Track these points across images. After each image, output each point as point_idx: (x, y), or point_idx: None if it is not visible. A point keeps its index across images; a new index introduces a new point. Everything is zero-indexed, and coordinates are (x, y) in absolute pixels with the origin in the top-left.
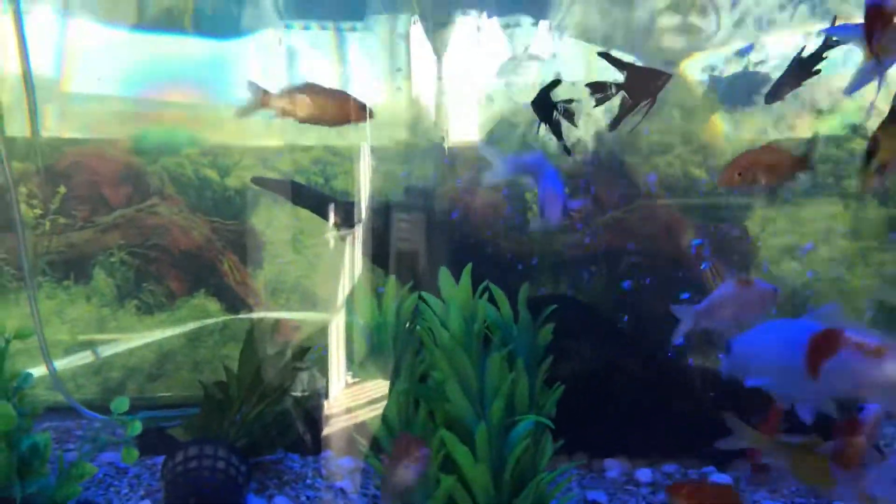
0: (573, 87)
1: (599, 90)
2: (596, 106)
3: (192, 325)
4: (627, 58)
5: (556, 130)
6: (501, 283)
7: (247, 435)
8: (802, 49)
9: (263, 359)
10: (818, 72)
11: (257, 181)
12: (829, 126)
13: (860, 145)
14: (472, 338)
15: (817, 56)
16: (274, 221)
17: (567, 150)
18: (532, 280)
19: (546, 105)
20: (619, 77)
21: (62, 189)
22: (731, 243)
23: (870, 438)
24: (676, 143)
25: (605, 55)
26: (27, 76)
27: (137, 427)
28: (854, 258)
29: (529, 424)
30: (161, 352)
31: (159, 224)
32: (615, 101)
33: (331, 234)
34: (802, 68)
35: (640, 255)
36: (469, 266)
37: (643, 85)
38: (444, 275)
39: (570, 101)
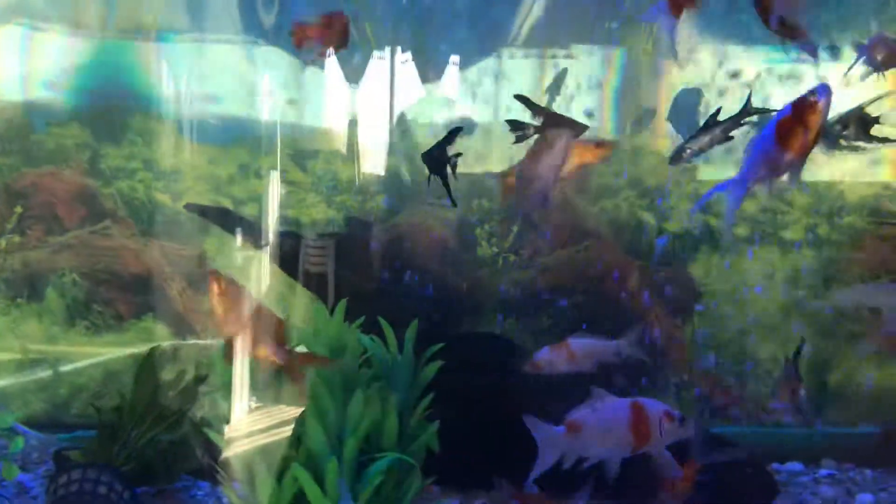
0: None
1: (518, 128)
2: (515, 143)
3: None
4: None
5: (447, 184)
6: (426, 317)
7: (137, 460)
8: (718, 111)
9: (159, 384)
10: (731, 138)
11: (190, 207)
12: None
13: (798, 197)
14: (336, 373)
15: (735, 121)
16: (224, 247)
17: (454, 203)
18: (468, 316)
19: (441, 160)
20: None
21: (19, 209)
22: (674, 286)
23: None
24: (624, 187)
25: (521, 98)
26: None
27: (20, 443)
28: (791, 305)
29: (388, 462)
30: (108, 372)
31: (111, 246)
32: None
33: (239, 254)
34: (712, 130)
35: (583, 295)
36: (343, 302)
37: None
38: (318, 310)
39: (458, 154)
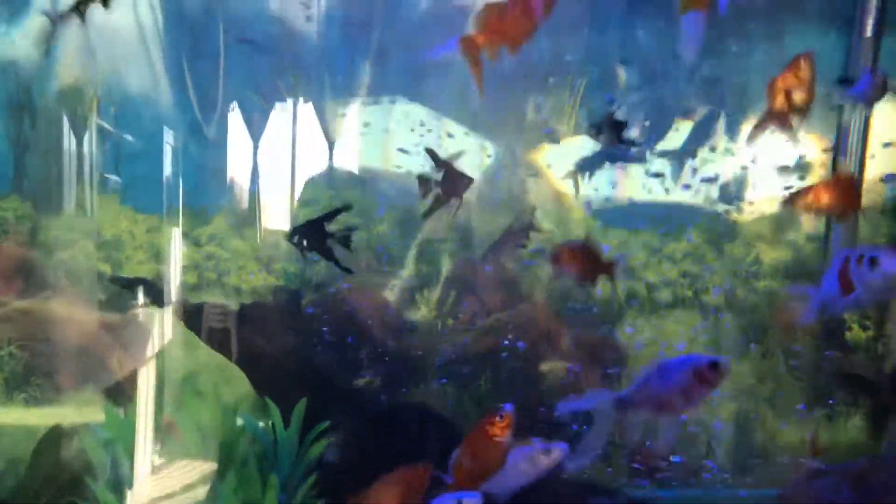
0: None
1: (423, 185)
2: (423, 198)
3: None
4: None
5: (330, 256)
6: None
7: None
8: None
9: (59, 461)
10: (524, 246)
11: (113, 280)
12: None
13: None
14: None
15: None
16: (163, 317)
17: (349, 271)
18: (406, 381)
19: (318, 235)
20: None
21: None
22: (601, 350)
23: None
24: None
25: (429, 151)
26: None
27: None
28: None
29: None
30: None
31: (51, 318)
32: None
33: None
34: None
35: (518, 361)
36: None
37: (453, 185)
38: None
39: (349, 229)
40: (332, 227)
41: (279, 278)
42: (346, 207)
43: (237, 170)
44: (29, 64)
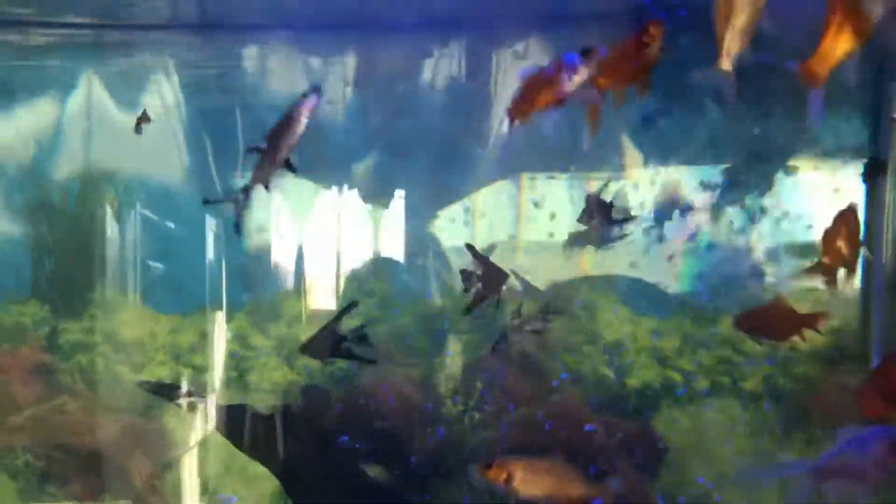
0: None
1: (467, 279)
2: (466, 292)
3: None
4: None
5: (350, 356)
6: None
7: None
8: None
9: None
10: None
11: (141, 385)
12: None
13: (751, 347)
14: None
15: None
16: (186, 419)
17: (373, 361)
18: (434, 479)
19: (332, 341)
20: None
21: None
22: (637, 442)
23: None
24: (584, 342)
25: (469, 247)
26: None
27: None
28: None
29: None
30: None
31: (67, 424)
32: None
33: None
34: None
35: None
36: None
37: (491, 280)
38: None
39: (362, 326)
40: (343, 328)
41: (300, 374)
42: (351, 306)
43: (280, 256)
44: (45, 164)
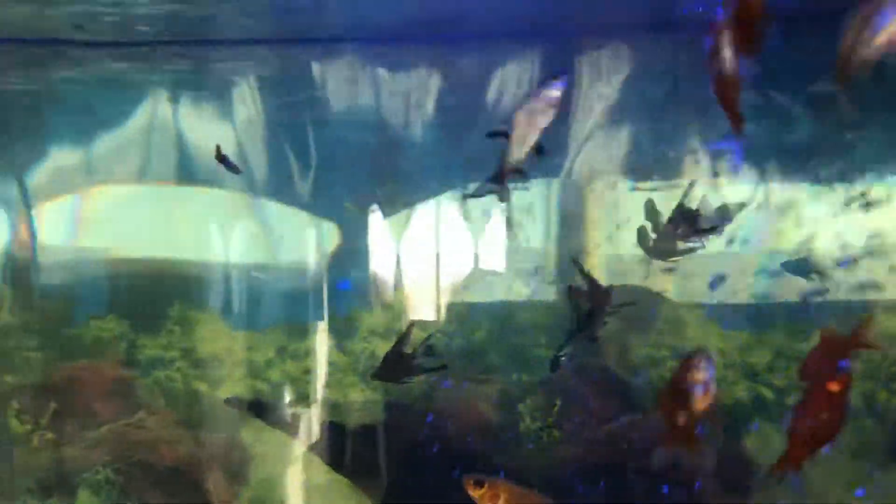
0: None
1: (576, 295)
2: (574, 309)
3: None
4: None
5: (421, 372)
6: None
7: None
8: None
9: None
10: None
11: (229, 402)
12: None
13: None
14: None
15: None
16: (261, 435)
17: (443, 367)
18: None
19: (401, 363)
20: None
21: (53, 404)
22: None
23: None
24: (668, 357)
25: (575, 262)
26: None
27: None
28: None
29: None
30: None
31: (146, 439)
32: None
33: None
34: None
35: (632, 473)
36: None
37: (596, 297)
38: None
39: (429, 337)
40: (408, 349)
41: (375, 391)
42: (410, 326)
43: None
44: None
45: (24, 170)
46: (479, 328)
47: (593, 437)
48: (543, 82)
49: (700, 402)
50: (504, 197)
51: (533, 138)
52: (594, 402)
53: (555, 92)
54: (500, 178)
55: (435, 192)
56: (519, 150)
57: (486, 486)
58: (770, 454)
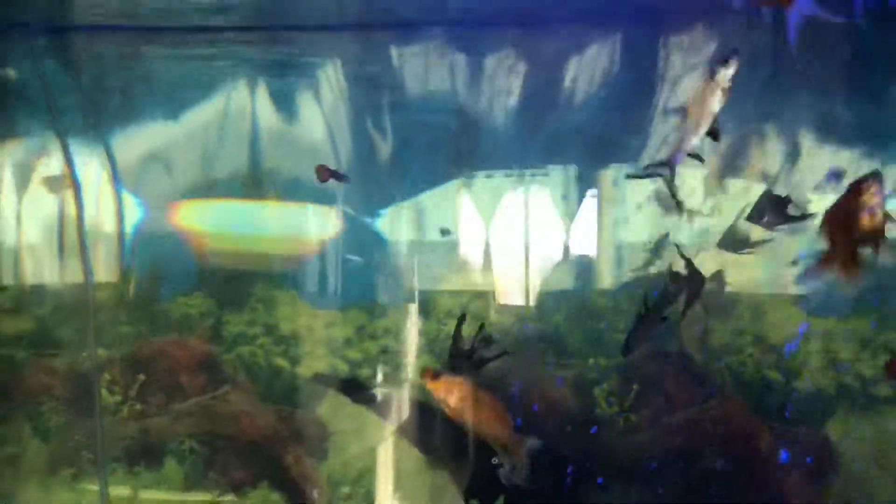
0: None
1: (677, 281)
2: (675, 295)
3: None
4: None
5: (484, 363)
6: None
7: None
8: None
9: None
10: (666, 318)
11: (315, 379)
12: None
13: None
14: None
15: (663, 302)
16: (339, 412)
17: (505, 353)
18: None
19: (464, 358)
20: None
21: (142, 377)
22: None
23: None
24: (747, 344)
25: (678, 247)
26: None
27: None
28: None
29: None
30: None
31: (229, 412)
32: None
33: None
34: (651, 318)
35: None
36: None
37: (695, 283)
38: None
39: (481, 327)
40: (466, 343)
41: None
42: (461, 319)
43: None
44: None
45: (114, 149)
46: (558, 312)
47: (670, 423)
48: (713, 66)
49: (865, 223)
50: (671, 180)
51: (707, 123)
52: (672, 388)
53: (726, 74)
54: (669, 163)
55: (515, 177)
56: (694, 136)
57: (442, 379)
58: (856, 445)
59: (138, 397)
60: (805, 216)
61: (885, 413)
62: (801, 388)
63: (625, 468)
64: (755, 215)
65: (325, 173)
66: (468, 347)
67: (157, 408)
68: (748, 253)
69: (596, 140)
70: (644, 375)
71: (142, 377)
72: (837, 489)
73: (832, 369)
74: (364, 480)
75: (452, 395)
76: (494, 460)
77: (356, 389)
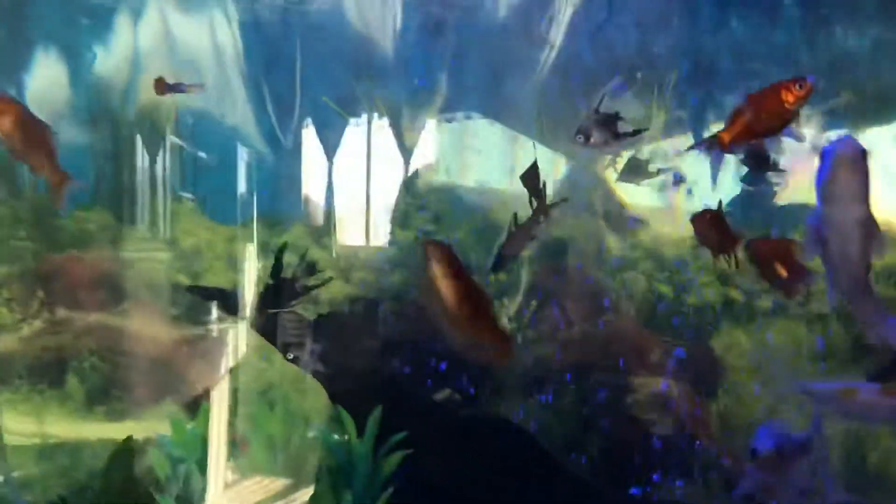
0: None
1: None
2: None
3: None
4: None
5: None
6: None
7: None
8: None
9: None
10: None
11: (191, 289)
12: None
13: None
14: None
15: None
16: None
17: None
18: (487, 396)
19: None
20: None
21: (41, 293)
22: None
23: None
24: (641, 259)
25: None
26: None
27: None
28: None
29: None
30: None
31: (131, 329)
32: None
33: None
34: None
35: (604, 372)
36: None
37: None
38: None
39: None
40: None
41: (357, 287)
42: (282, 250)
43: (313, 182)
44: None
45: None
46: (458, 229)
47: (567, 339)
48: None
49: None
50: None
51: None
52: (568, 304)
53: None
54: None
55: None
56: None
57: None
58: (738, 358)
59: (38, 314)
60: (637, 132)
61: (765, 326)
62: (691, 302)
63: (523, 381)
64: (581, 137)
65: (161, 86)
66: (290, 277)
67: (57, 325)
68: (646, 184)
69: None
70: (541, 292)
71: (41, 294)
72: (721, 404)
73: (719, 284)
74: (263, 393)
75: (430, 261)
76: None
77: (228, 301)
